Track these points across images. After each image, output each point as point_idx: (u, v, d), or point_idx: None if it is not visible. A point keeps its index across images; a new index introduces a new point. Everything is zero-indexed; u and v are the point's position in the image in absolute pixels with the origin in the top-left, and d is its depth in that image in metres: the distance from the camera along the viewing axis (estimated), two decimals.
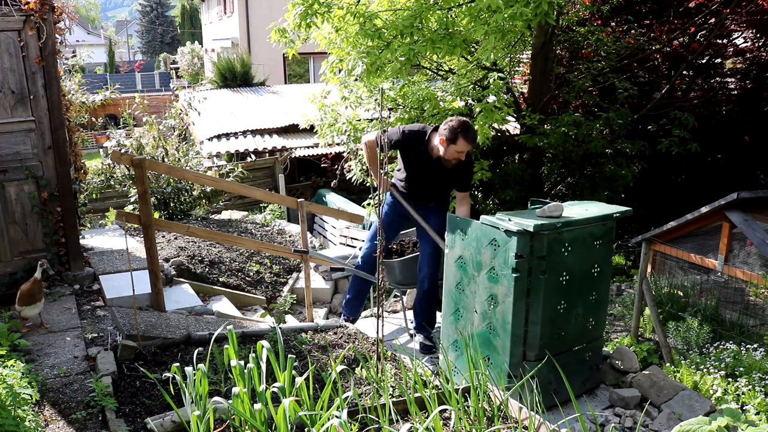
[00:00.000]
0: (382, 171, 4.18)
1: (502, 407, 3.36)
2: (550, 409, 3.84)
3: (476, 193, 9.45)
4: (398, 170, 5.26)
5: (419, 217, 5.04)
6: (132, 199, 9.08)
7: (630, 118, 8.39)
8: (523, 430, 3.12)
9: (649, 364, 5.03)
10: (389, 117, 8.60)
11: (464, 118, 4.84)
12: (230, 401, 2.88)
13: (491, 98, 7.44)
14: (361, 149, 5.27)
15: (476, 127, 7.03)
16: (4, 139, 5.41)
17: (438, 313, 5.84)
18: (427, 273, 5.12)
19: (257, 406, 2.82)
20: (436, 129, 4.92)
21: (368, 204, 9.02)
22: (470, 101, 8.60)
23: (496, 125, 8.37)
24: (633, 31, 9.53)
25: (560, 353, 4.14)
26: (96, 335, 4.79)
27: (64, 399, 3.84)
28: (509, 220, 4.01)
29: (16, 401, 3.49)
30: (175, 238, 7.88)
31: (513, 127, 9.95)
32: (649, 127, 8.85)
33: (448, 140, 4.73)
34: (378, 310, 3.72)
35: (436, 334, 5.58)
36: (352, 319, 5.46)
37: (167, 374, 3.28)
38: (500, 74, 7.78)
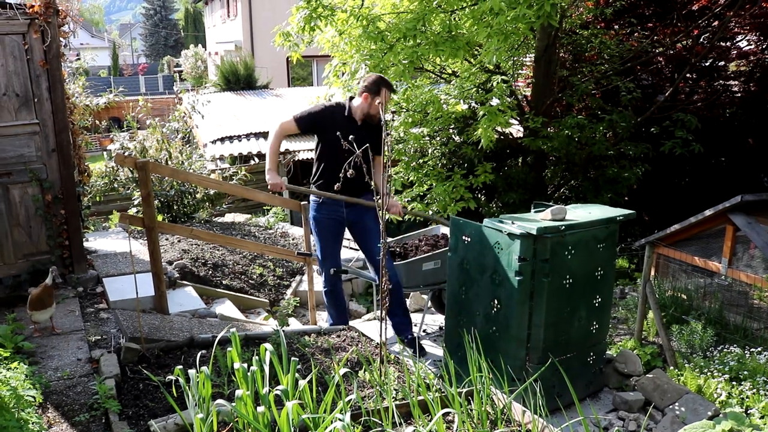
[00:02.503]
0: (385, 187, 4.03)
1: (505, 410, 3.35)
2: (553, 412, 3.83)
3: (479, 196, 9.45)
4: (315, 170, 5.12)
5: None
6: (135, 202, 9.09)
7: (633, 120, 8.39)
8: None
9: (652, 367, 5.02)
10: (392, 120, 8.61)
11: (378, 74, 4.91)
12: (233, 404, 2.88)
13: (495, 101, 7.45)
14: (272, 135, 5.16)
15: (479, 131, 7.05)
16: (9, 141, 5.42)
17: (441, 316, 5.85)
18: (390, 267, 5.07)
19: (260, 408, 2.82)
20: (351, 99, 4.99)
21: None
22: (473, 104, 8.61)
23: (499, 128, 8.37)
24: (636, 34, 9.54)
25: (563, 356, 4.13)
26: (99, 338, 4.79)
27: (67, 401, 3.84)
28: (512, 223, 4.02)
29: (20, 403, 3.50)
30: (179, 241, 7.89)
31: (516, 130, 9.95)
32: (653, 129, 8.85)
33: (372, 92, 4.79)
34: (381, 313, 3.72)
35: (434, 336, 5.58)
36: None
37: (170, 377, 3.29)
38: (503, 77, 7.78)
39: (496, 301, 4.15)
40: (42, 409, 3.73)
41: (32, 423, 3.38)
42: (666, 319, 5.68)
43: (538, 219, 4.13)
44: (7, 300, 5.41)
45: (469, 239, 4.33)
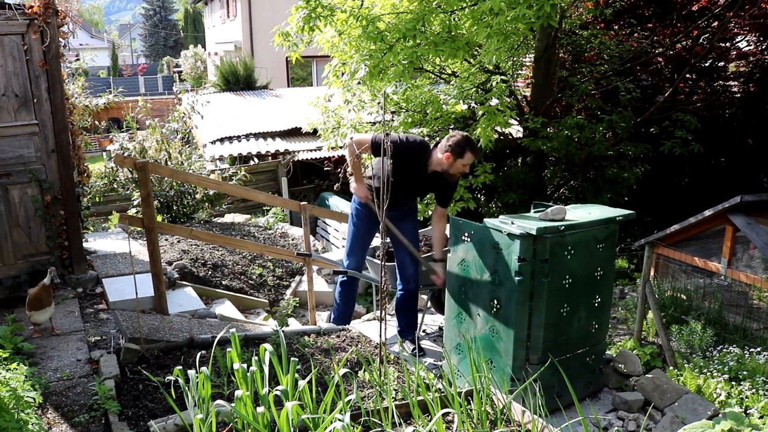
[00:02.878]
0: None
1: (505, 411, 3.35)
2: (553, 412, 3.83)
3: (479, 196, 9.45)
4: (372, 177, 5.11)
5: (394, 229, 5.01)
6: (135, 203, 9.09)
7: (633, 121, 8.39)
8: None
9: (652, 367, 5.02)
10: (392, 120, 8.61)
11: (465, 133, 4.86)
12: (233, 404, 2.88)
13: (494, 101, 7.45)
14: (346, 147, 5.15)
15: (479, 131, 7.04)
16: (8, 142, 5.42)
17: (440, 316, 5.84)
18: (412, 272, 5.12)
19: (260, 409, 2.82)
20: (435, 146, 4.92)
21: None
22: (473, 104, 8.61)
23: (498, 128, 8.37)
24: (636, 35, 9.54)
25: (563, 356, 4.14)
26: (99, 338, 4.79)
27: (67, 402, 3.84)
28: (512, 223, 4.01)
29: (20, 404, 3.50)
30: (178, 241, 7.89)
31: (516, 130, 9.95)
32: (652, 129, 8.85)
33: (455, 154, 4.71)
34: (381, 314, 3.72)
35: (434, 336, 5.58)
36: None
37: (170, 377, 3.29)
38: (503, 77, 7.78)
39: (495, 301, 4.15)
40: (42, 410, 3.73)
41: (32, 424, 3.38)
42: (665, 320, 5.68)
43: (538, 219, 4.13)
44: (6, 301, 5.41)
45: (468, 239, 4.33)
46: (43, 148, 5.56)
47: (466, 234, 4.35)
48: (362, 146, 4.93)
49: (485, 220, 4.23)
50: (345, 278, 5.30)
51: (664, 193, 9.77)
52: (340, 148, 9.41)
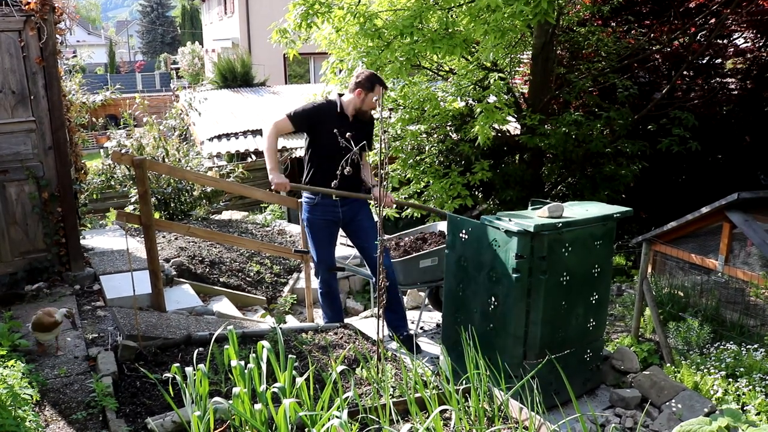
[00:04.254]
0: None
1: (502, 407, 3.35)
2: (550, 409, 3.83)
3: (476, 193, 9.45)
4: (308, 170, 5.08)
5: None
6: (132, 200, 9.08)
7: (630, 118, 8.39)
8: (523, 430, 3.12)
9: (649, 364, 5.03)
10: (390, 117, 8.60)
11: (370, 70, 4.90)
12: (231, 401, 2.88)
13: (492, 98, 7.45)
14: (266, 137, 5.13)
15: (477, 128, 7.05)
16: (5, 139, 5.41)
17: (438, 313, 5.85)
18: (386, 264, 5.08)
19: (258, 406, 2.82)
20: (340, 96, 5.00)
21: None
22: (471, 101, 8.60)
23: (496, 125, 8.37)
24: (633, 32, 9.54)
25: (561, 353, 4.14)
26: (96, 335, 4.78)
27: (64, 399, 3.83)
28: (510, 220, 4.02)
29: (17, 401, 3.49)
30: (176, 239, 7.88)
31: (513, 127, 9.95)
32: (650, 127, 8.85)
33: (365, 89, 4.79)
34: (378, 311, 3.72)
35: (432, 333, 5.58)
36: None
37: (168, 374, 3.28)
38: (501, 74, 7.78)
39: (493, 299, 4.16)
40: (39, 407, 3.73)
41: (29, 421, 3.37)
42: (663, 316, 5.69)
43: (536, 216, 4.13)
44: (4, 298, 5.40)
45: (466, 236, 4.33)
46: (40, 145, 5.55)
47: (464, 231, 4.35)
48: (282, 128, 4.95)
49: (482, 217, 4.23)
50: (323, 290, 5.24)
51: (661, 190, 9.78)
52: None
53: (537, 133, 8.15)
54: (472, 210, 8.92)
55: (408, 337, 5.12)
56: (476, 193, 9.48)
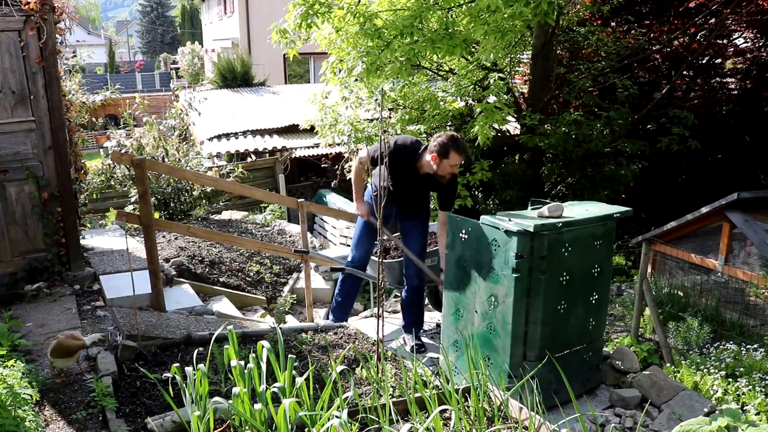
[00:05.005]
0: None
1: (502, 407, 3.36)
2: (550, 409, 3.83)
3: (476, 193, 9.46)
4: (374, 181, 5.18)
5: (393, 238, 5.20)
6: (132, 200, 9.09)
7: (630, 117, 8.40)
8: (523, 430, 3.12)
9: (649, 364, 5.03)
10: (389, 117, 8.61)
11: (453, 133, 4.87)
12: (230, 401, 2.88)
13: (492, 98, 7.45)
14: (355, 157, 5.24)
15: (476, 128, 7.04)
16: (5, 139, 5.41)
17: (438, 313, 5.85)
18: (415, 270, 5.14)
19: (257, 406, 2.82)
20: (426, 148, 4.92)
21: None
22: (471, 101, 8.61)
23: (496, 125, 8.37)
24: (633, 32, 9.54)
25: (560, 353, 4.14)
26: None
27: (64, 399, 3.83)
28: (509, 220, 4.02)
29: (17, 401, 3.49)
30: (176, 238, 7.88)
31: (513, 127, 9.96)
32: (650, 126, 8.86)
33: (439, 155, 4.73)
34: (378, 311, 3.72)
35: (432, 333, 5.58)
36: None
37: (167, 374, 3.28)
38: (501, 74, 7.79)
39: (493, 298, 4.15)
40: (39, 407, 3.73)
41: (29, 421, 3.37)
42: (663, 316, 5.69)
43: (536, 216, 4.13)
44: (4, 298, 5.40)
45: (466, 236, 4.33)
46: (40, 145, 5.55)
47: (464, 231, 4.35)
48: (365, 164, 5.08)
49: (482, 217, 4.23)
50: (341, 288, 5.32)
51: (661, 190, 9.79)
52: (338, 145, 9.41)
53: (537, 132, 8.16)
54: (472, 210, 8.92)
55: (419, 347, 5.18)
56: (476, 193, 9.48)
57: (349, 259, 5.35)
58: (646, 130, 9.10)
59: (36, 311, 5.22)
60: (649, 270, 6.13)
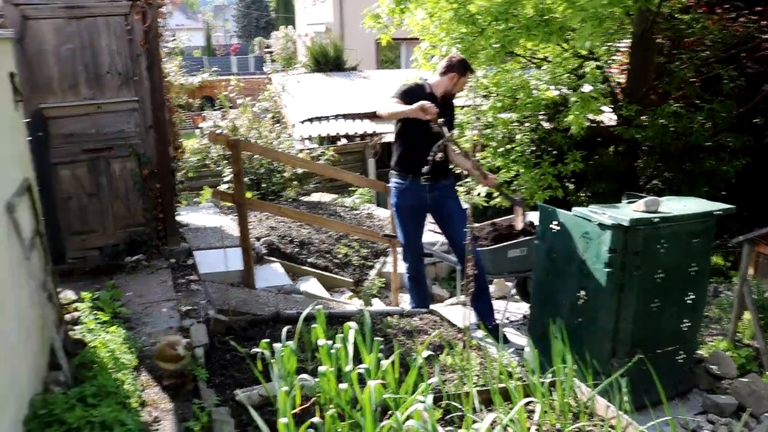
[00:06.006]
0: None
1: (588, 404, 3.28)
2: (639, 409, 3.72)
3: (567, 184, 9.25)
4: (397, 151, 5.08)
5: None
6: (226, 179, 9.34)
7: (735, 111, 8.01)
8: (609, 429, 3.05)
9: (747, 371, 4.80)
10: (481, 104, 8.51)
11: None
12: (317, 379, 2.93)
13: (587, 88, 7.26)
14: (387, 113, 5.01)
15: (570, 117, 6.89)
16: (110, 118, 5.65)
17: (525, 305, 5.78)
18: (475, 252, 5.05)
19: (343, 385, 2.86)
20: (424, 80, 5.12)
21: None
22: (565, 90, 8.42)
23: (591, 116, 8.15)
24: (742, 19, 9.05)
25: (652, 352, 4.01)
26: (190, 308, 4.95)
27: (159, 366, 3.98)
28: (603, 213, 3.92)
29: (117, 365, 3.68)
30: (267, 218, 8.06)
31: (608, 118, 9.66)
32: (756, 120, 8.42)
33: (458, 73, 4.88)
34: (464, 299, 3.70)
35: (518, 324, 5.51)
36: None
37: (256, 349, 3.37)
38: (597, 63, 7.56)
39: (583, 292, 4.06)
40: (136, 372, 3.90)
41: (127, 384, 3.54)
42: (764, 322, 5.41)
43: (631, 210, 4.01)
44: (106, 268, 5.67)
45: (557, 228, 4.25)
46: (142, 124, 5.77)
47: (555, 222, 4.26)
48: (392, 111, 4.85)
49: (575, 208, 4.14)
50: (410, 274, 5.27)
51: (765, 188, 9.29)
52: None
53: (633, 124, 7.90)
54: (563, 201, 8.74)
55: (494, 327, 5.08)
56: (567, 184, 9.27)
57: (407, 258, 5.27)
58: (751, 125, 8.65)
59: (135, 282, 5.46)
60: (751, 272, 5.85)
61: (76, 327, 4.30)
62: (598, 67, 7.39)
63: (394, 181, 5.09)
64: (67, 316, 4.44)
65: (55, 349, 3.57)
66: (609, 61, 9.29)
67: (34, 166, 4.26)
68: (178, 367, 3.68)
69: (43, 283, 3.74)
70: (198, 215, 7.89)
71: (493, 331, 5.03)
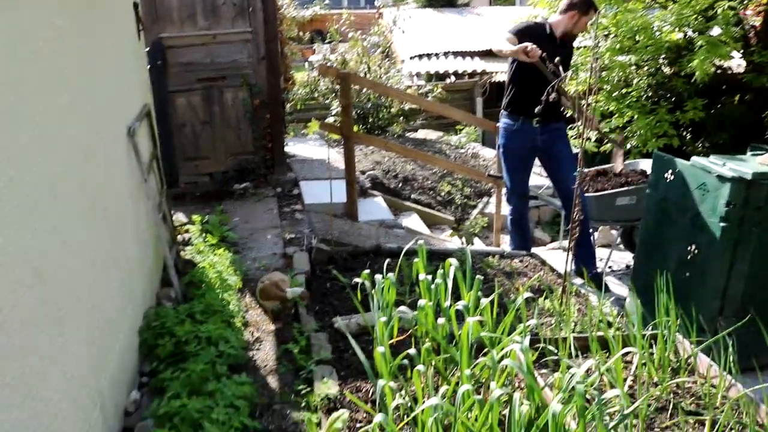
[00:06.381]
0: None
1: (690, 361, 3.18)
2: (744, 371, 3.57)
3: (684, 133, 8.79)
4: (509, 92, 4.94)
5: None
6: (333, 112, 9.43)
7: None
8: (710, 388, 2.95)
9: None
10: (598, 45, 8.14)
11: None
12: (415, 312, 2.96)
13: (716, 31, 6.78)
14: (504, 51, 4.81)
15: (695, 62, 6.51)
16: (225, 48, 5.78)
17: (629, 254, 5.61)
18: (582, 198, 4.89)
19: (441, 320, 2.89)
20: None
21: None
22: (690, 33, 7.90)
23: (717, 61, 7.65)
24: None
25: (764, 313, 3.82)
26: (293, 236, 5.10)
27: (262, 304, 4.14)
28: (723, 164, 3.70)
29: (224, 286, 3.85)
30: (372, 152, 8.12)
31: (736, 64, 9.04)
32: None
33: (580, 12, 4.69)
34: (569, 244, 3.63)
35: (620, 274, 5.37)
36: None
37: (357, 280, 3.44)
38: (731, 3, 7.03)
39: (693, 246, 3.89)
40: (241, 294, 4.07)
41: (232, 304, 3.71)
42: None
43: (755, 163, 3.77)
44: (216, 194, 5.90)
45: (672, 177, 4.06)
46: (254, 55, 5.87)
47: (670, 171, 4.07)
48: (500, 49, 4.70)
49: (693, 158, 3.93)
50: (513, 216, 5.19)
51: None
52: None
53: (766, 71, 7.35)
54: (678, 151, 8.32)
55: (596, 275, 4.97)
56: (684, 133, 8.81)
57: (511, 200, 5.21)
58: None
59: (242, 208, 5.66)
60: None
61: (186, 248, 4.52)
62: (731, 8, 6.88)
63: (503, 121, 4.99)
64: (179, 238, 4.68)
65: (167, 267, 3.78)
66: (744, 2, 8.63)
67: (153, 93, 4.45)
68: (281, 307, 3.75)
69: (159, 205, 3.93)
70: (305, 147, 8.03)
71: (594, 278, 4.93)
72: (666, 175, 4.10)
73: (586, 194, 5.16)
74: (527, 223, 5.30)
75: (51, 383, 1.93)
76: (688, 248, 3.93)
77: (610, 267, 5.58)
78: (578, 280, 4.89)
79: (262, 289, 3.72)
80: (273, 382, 3.21)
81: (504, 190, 5.45)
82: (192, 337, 3.13)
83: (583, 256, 4.97)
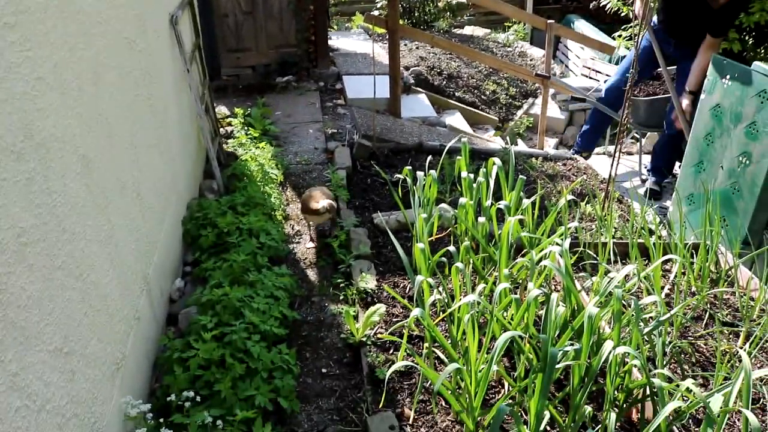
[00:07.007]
0: None
1: (730, 272, 3.14)
2: None
3: (747, 38, 8.36)
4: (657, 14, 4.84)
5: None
6: (379, 5, 9.17)
7: None
8: (749, 300, 2.92)
9: None
10: None
11: None
12: (455, 210, 2.96)
13: None
14: None
15: None
16: None
17: (677, 163, 5.48)
18: (670, 115, 4.78)
19: (481, 219, 2.88)
20: None
21: (619, 36, 8.36)
22: None
23: None
24: None
25: None
26: (335, 131, 5.08)
27: (303, 184, 4.18)
28: None
29: (266, 179, 3.88)
30: (417, 48, 7.93)
31: None
32: None
33: None
34: (615, 148, 3.54)
35: (665, 182, 5.25)
36: (585, 155, 5.31)
37: (398, 176, 3.43)
38: None
39: (745, 156, 3.76)
40: (282, 187, 4.11)
41: (273, 197, 3.75)
42: None
43: None
44: (258, 87, 5.86)
45: (729, 83, 3.88)
46: None
47: (728, 76, 3.89)
48: None
49: (755, 63, 3.75)
50: (596, 117, 5.17)
51: None
52: None
53: None
54: (739, 56, 7.94)
55: (653, 191, 4.93)
56: (746, 38, 8.38)
57: (612, 80, 5.25)
58: None
59: (284, 102, 5.63)
60: None
61: (229, 141, 4.54)
62: None
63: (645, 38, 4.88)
64: (221, 130, 4.69)
65: (210, 159, 3.81)
66: None
67: None
68: (322, 221, 3.50)
69: (201, 96, 3.92)
70: (348, 41, 7.87)
71: (652, 192, 4.90)
72: (722, 80, 3.93)
73: (635, 98, 5.01)
74: (608, 122, 5.44)
75: (99, 268, 1.99)
76: (739, 158, 3.81)
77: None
78: (624, 185, 4.82)
79: (301, 202, 3.52)
80: (312, 274, 3.28)
81: (551, 90, 5.31)
82: (234, 229, 3.18)
83: (653, 163, 5.02)
